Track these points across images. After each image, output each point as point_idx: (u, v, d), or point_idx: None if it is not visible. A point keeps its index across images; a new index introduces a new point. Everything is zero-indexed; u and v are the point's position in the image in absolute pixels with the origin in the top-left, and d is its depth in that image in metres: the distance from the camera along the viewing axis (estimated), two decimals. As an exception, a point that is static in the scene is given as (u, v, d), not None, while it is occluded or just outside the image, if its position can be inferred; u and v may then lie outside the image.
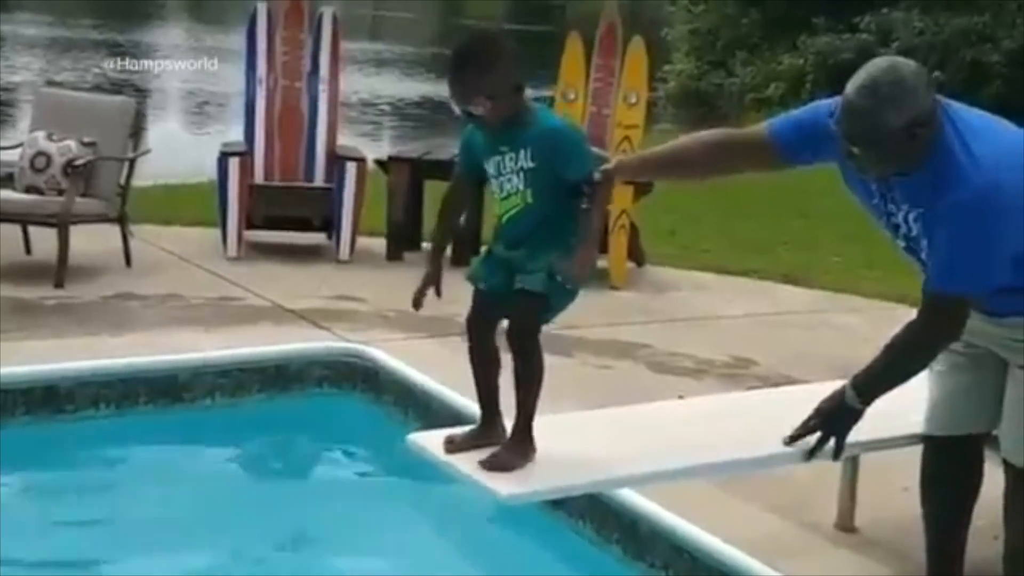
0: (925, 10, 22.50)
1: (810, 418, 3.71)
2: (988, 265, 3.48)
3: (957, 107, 3.59)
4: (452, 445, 3.60)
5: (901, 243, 3.70)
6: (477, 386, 3.62)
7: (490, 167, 3.52)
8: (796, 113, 3.81)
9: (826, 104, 3.66)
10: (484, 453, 3.52)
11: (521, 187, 3.46)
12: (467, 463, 3.52)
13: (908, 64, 3.48)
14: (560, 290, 3.47)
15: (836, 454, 3.75)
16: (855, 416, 3.68)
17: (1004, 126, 3.66)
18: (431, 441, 3.68)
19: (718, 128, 3.95)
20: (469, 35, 3.51)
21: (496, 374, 3.58)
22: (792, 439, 3.73)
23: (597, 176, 3.49)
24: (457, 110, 3.46)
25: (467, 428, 3.67)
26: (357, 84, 20.87)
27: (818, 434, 3.70)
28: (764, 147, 3.80)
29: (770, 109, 22.57)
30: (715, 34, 27.00)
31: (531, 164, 3.44)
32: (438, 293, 3.66)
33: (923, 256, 3.61)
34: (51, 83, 17.99)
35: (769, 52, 25.07)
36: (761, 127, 3.82)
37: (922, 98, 3.41)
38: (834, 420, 3.69)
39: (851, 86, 3.45)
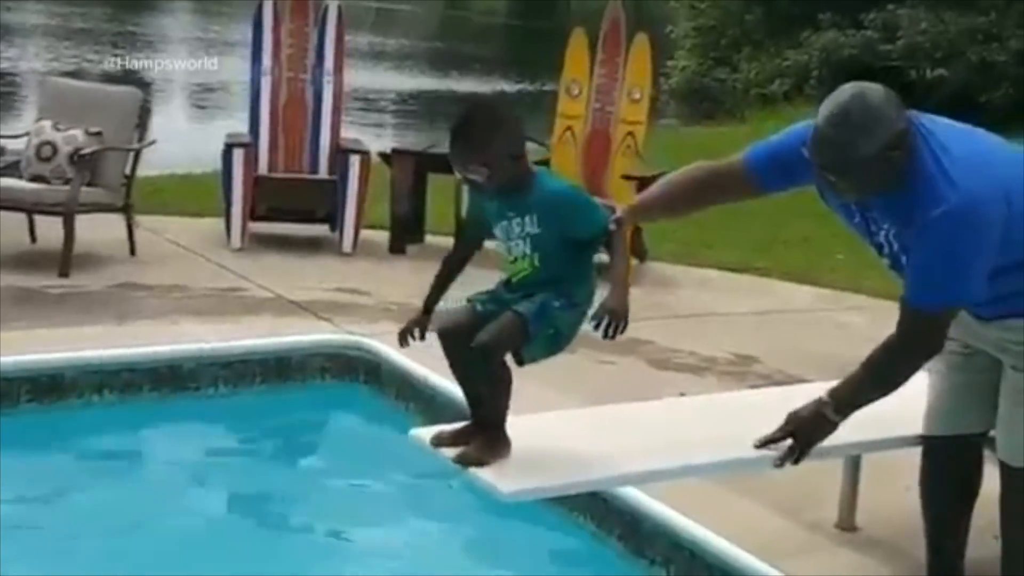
0: (931, 8, 22.45)
1: (785, 424, 3.71)
2: (964, 280, 3.51)
3: (930, 122, 3.61)
4: (439, 439, 3.62)
5: (886, 261, 3.73)
6: (463, 391, 3.63)
7: (498, 232, 3.58)
8: (769, 141, 3.83)
9: (799, 130, 3.68)
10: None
11: (528, 251, 3.51)
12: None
13: (876, 89, 3.49)
14: (544, 326, 3.48)
15: (798, 461, 3.73)
16: (831, 428, 3.68)
17: (979, 137, 3.69)
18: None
19: (701, 163, 3.95)
20: (468, 104, 3.58)
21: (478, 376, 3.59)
22: (764, 443, 3.73)
23: (612, 227, 3.51)
24: (457, 175, 3.51)
25: (459, 424, 3.68)
26: (360, 77, 20.85)
27: (790, 441, 3.70)
28: (740, 178, 3.84)
29: (774, 105, 22.52)
30: (719, 30, 26.96)
31: (537, 230, 3.49)
32: (422, 337, 3.73)
33: None
34: (33, 72, 17.98)
35: (773, 48, 25.02)
36: (737, 158, 3.86)
37: (893, 122, 3.43)
38: (809, 430, 3.69)
39: (821, 116, 3.48)
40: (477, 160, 3.43)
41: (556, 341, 3.54)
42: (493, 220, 3.58)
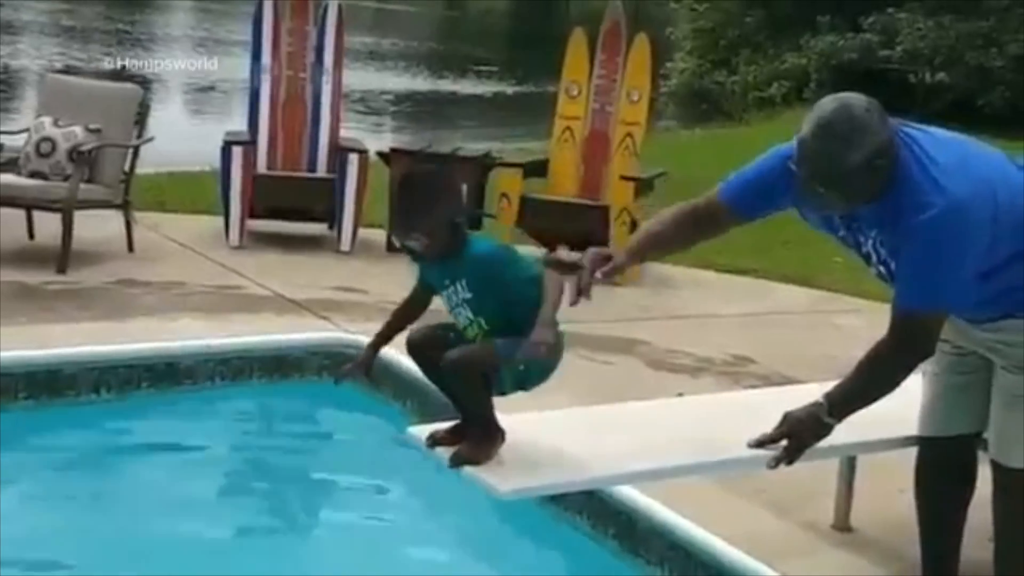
0: (931, 12, 22.49)
1: (780, 425, 3.70)
2: (954, 282, 3.52)
3: (915, 130, 3.63)
4: (434, 439, 3.61)
5: (874, 271, 3.74)
6: (444, 394, 3.62)
7: (444, 301, 3.57)
8: (745, 170, 3.84)
9: (772, 155, 3.73)
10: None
11: (472, 316, 3.50)
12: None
13: (858, 99, 3.52)
14: (514, 360, 3.45)
15: (792, 462, 3.71)
16: (826, 431, 3.67)
17: (963, 143, 3.71)
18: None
19: (680, 204, 3.95)
20: (409, 173, 3.54)
21: None
22: (759, 444, 3.72)
23: (538, 268, 3.49)
24: (397, 243, 3.52)
25: (451, 423, 3.67)
26: (358, 77, 20.87)
27: (785, 442, 3.69)
28: (721, 212, 3.86)
29: (772, 107, 22.55)
30: (719, 32, 27.00)
31: (469, 295, 3.48)
32: (367, 375, 3.83)
33: None
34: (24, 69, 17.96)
35: (773, 51, 25.06)
36: (712, 192, 3.87)
37: (877, 131, 3.46)
38: (804, 432, 3.68)
39: (805, 129, 3.50)
40: (419, 229, 3.42)
41: (526, 377, 3.53)
42: (437, 287, 3.58)
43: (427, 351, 3.54)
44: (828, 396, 3.68)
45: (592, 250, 3.73)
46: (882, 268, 3.69)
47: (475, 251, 3.50)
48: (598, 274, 3.60)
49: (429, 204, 3.43)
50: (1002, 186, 3.59)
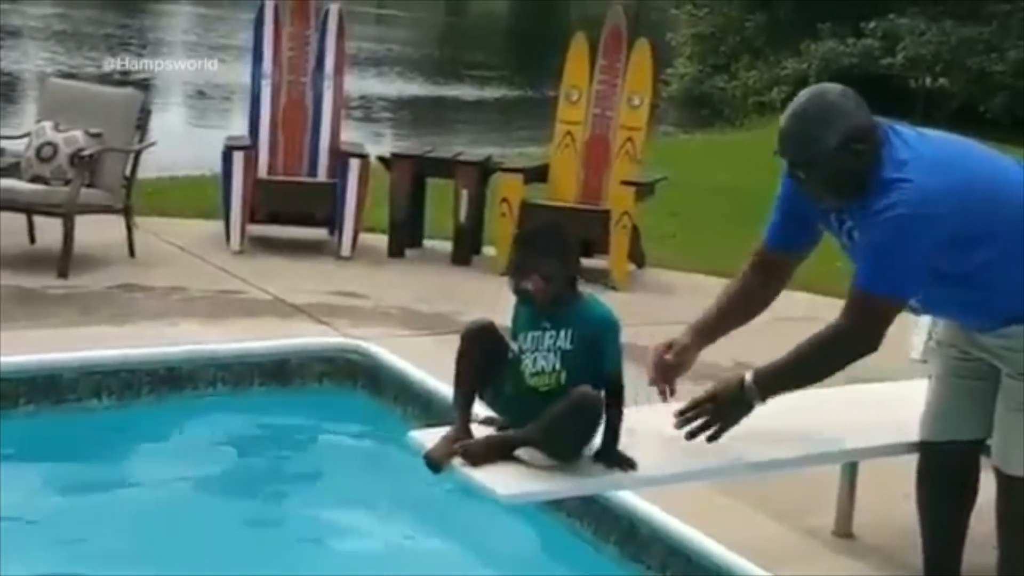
0: (932, 18, 22.51)
1: (704, 400, 3.71)
2: (912, 269, 3.55)
3: (907, 129, 3.66)
4: (439, 461, 3.54)
5: None
6: (462, 390, 3.59)
7: (527, 341, 3.54)
8: (773, 210, 3.91)
9: (784, 178, 3.76)
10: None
11: (557, 366, 3.51)
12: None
13: (835, 87, 3.62)
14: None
15: (712, 439, 3.71)
16: (749, 410, 3.69)
17: (948, 139, 3.74)
18: (432, 439, 3.69)
19: (736, 280, 4.09)
20: (541, 222, 3.62)
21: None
22: (681, 414, 3.72)
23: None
24: (512, 284, 3.53)
25: (446, 430, 3.63)
26: (359, 82, 20.87)
27: (706, 418, 3.69)
28: (774, 258, 3.96)
29: (773, 113, 22.56)
30: (719, 38, 27.02)
31: (569, 346, 3.50)
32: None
33: None
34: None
35: (773, 57, 25.08)
36: (758, 245, 3.97)
37: (852, 116, 3.52)
38: (727, 410, 3.70)
39: (783, 117, 3.58)
40: (541, 271, 3.45)
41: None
42: (523, 327, 3.57)
43: (491, 333, 3.56)
44: (756, 375, 3.72)
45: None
46: None
47: (597, 311, 3.54)
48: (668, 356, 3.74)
49: (560, 253, 3.49)
50: (983, 179, 3.62)
